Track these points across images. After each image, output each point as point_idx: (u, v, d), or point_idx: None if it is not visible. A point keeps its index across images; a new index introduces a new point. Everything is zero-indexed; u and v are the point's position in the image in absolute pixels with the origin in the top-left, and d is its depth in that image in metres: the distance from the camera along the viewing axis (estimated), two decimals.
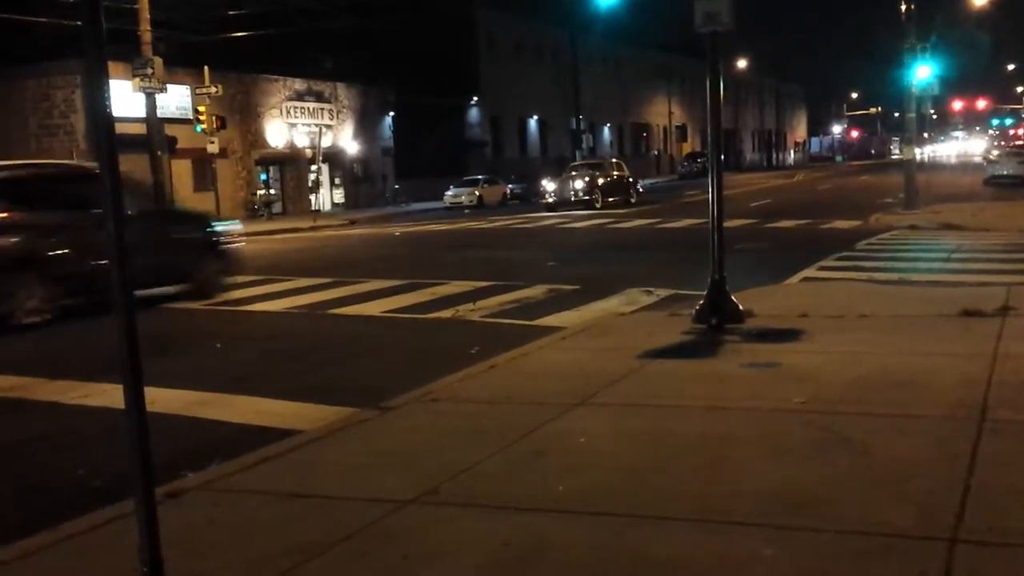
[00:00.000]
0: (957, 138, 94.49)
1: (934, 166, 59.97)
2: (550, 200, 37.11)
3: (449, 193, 45.93)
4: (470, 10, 58.09)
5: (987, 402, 6.32)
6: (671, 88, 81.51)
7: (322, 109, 47.09)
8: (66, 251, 12.83)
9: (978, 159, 73.76)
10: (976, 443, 5.50)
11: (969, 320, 9.14)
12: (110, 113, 3.66)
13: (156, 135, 30.63)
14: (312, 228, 34.34)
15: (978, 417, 6.00)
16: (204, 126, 33.42)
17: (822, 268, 15.06)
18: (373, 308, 12.94)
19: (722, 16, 9.82)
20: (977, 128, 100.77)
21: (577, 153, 57.80)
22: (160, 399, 7.39)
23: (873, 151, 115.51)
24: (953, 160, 74.16)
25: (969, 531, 4.32)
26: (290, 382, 8.74)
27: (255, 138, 43.05)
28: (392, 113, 51.82)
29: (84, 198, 12.67)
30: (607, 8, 50.12)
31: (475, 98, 58.40)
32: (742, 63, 76.33)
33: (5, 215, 12.66)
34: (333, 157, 47.35)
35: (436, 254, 21.50)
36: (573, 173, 38.94)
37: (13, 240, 12.52)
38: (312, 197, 44.89)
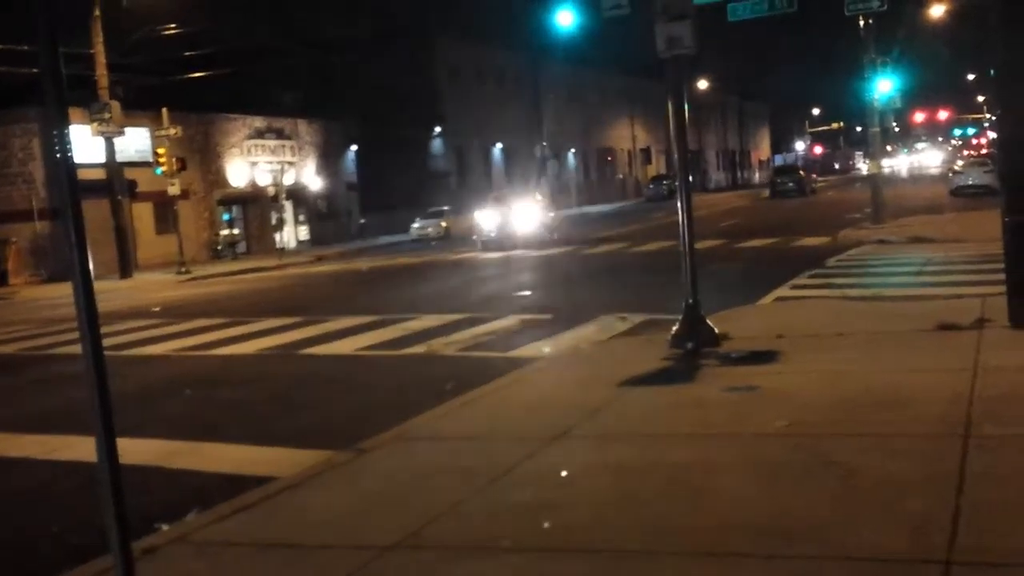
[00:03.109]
0: (920, 150, 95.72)
1: (894, 180, 60.69)
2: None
3: (415, 225, 45.75)
4: (430, 40, 58.25)
5: (971, 418, 6.28)
6: (634, 111, 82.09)
7: (283, 146, 46.92)
8: None
9: (935, 171, 74.64)
10: (963, 461, 5.46)
11: (946, 334, 9.14)
12: (72, 163, 3.57)
13: (116, 179, 30.33)
14: (278, 267, 34.06)
15: (963, 434, 5.96)
16: (164, 168, 33.15)
17: (795, 286, 15.08)
18: (345, 346, 12.78)
19: (685, 40, 9.85)
20: (940, 139, 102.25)
21: (543, 179, 57.94)
22: (131, 450, 7.14)
23: (837, 166, 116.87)
24: (905, 173, 74.92)
25: (963, 552, 4.27)
26: (263, 427, 8.56)
27: (216, 178, 42.78)
28: (355, 147, 51.72)
29: None
30: (568, 33, 50.43)
31: (438, 128, 58.47)
32: (703, 84, 77.05)
33: None
34: (297, 194, 47.13)
35: (405, 288, 21.36)
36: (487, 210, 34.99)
37: None
38: (276, 235, 44.61)
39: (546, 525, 5.08)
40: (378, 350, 12.35)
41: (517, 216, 32.94)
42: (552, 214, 36.23)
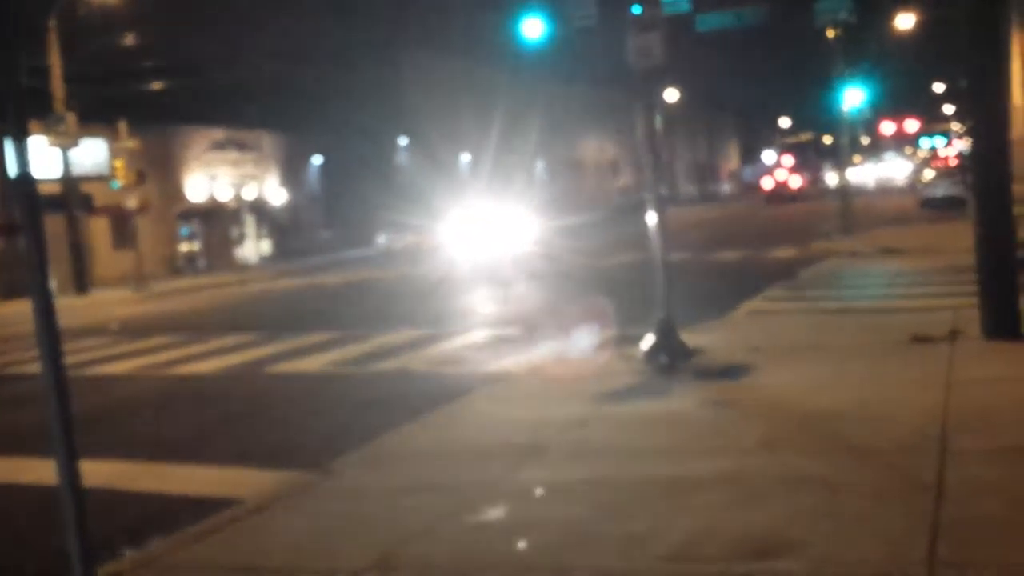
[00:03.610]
0: (887, 161, 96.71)
1: (862, 191, 61.31)
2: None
3: (382, 239, 45.56)
4: (396, 51, 58.15)
5: (946, 431, 6.25)
6: (602, 123, 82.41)
7: (245, 159, 46.53)
8: None
9: (900, 182, 75.40)
10: (940, 474, 5.43)
11: (920, 347, 9.13)
12: (33, 183, 3.46)
13: (72, 193, 29.86)
14: (240, 282, 33.70)
15: (939, 447, 5.93)
16: (122, 182, 32.65)
17: (767, 299, 15.06)
18: (311, 363, 12.57)
19: (654, 52, 9.79)
20: (907, 150, 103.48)
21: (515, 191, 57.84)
22: (92, 472, 6.93)
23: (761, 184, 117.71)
24: (872, 185, 75.74)
25: (943, 566, 4.24)
26: (228, 447, 8.38)
27: (176, 191, 42.30)
28: (319, 159, 51.44)
29: None
30: (535, 45, 50.47)
31: (405, 140, 58.33)
32: (673, 95, 77.46)
33: None
34: (259, 207, 46.78)
35: (373, 303, 21.16)
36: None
37: None
38: (238, 250, 44.23)
39: (522, 545, 4.96)
40: (346, 367, 12.16)
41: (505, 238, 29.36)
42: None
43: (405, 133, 58.12)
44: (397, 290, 23.89)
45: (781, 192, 66.25)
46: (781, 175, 72.09)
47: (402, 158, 58.84)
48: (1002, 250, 9.06)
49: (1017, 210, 9.87)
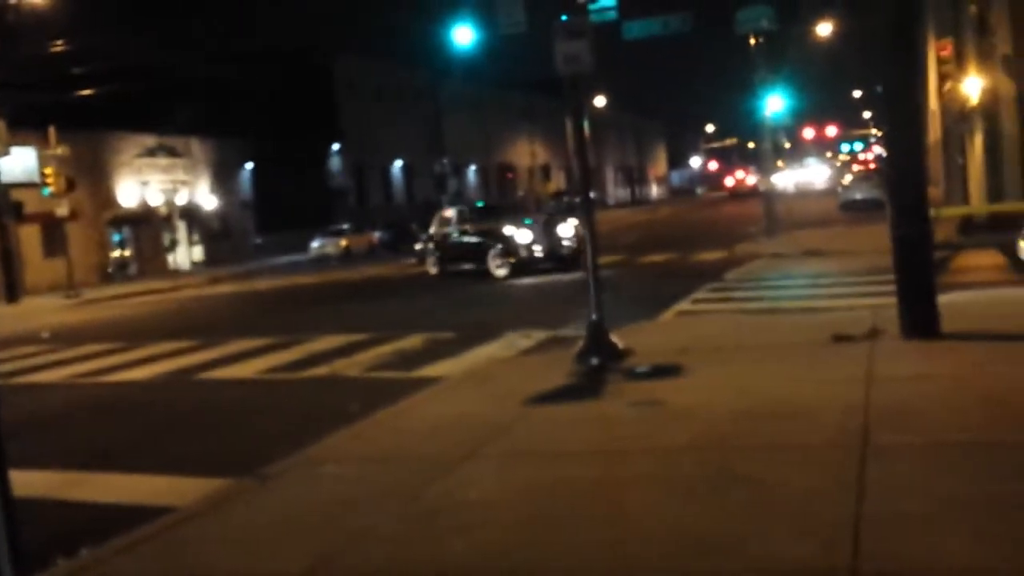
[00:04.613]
0: (808, 165, 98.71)
1: (783, 195, 62.50)
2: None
3: (314, 244, 45.18)
4: (327, 57, 57.75)
5: (868, 427, 6.43)
6: (533, 128, 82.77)
7: (176, 164, 45.86)
8: None
9: (820, 186, 77.15)
10: (862, 470, 5.57)
11: (841, 346, 9.38)
12: None
13: (1, 201, 29.23)
14: (172, 289, 33.21)
15: (861, 443, 6.09)
16: (52, 189, 32.05)
17: (695, 301, 15.34)
18: (245, 370, 12.49)
19: (582, 59, 9.94)
20: (828, 155, 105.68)
21: (443, 198, 57.85)
22: (23, 481, 6.83)
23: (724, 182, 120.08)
24: (792, 189, 77.47)
25: (867, 561, 4.35)
26: (162, 455, 8.30)
27: (106, 198, 41.55)
28: (251, 165, 50.85)
29: None
30: (466, 50, 50.58)
31: (337, 145, 57.93)
32: (601, 101, 78.11)
33: None
34: (190, 213, 46.12)
35: (306, 309, 21.04)
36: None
37: None
38: (170, 256, 43.55)
39: (458, 547, 5.02)
40: (279, 373, 12.10)
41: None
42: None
43: (337, 138, 57.73)
44: (329, 295, 23.78)
45: (739, 188, 79.25)
46: (740, 175, 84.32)
47: (334, 163, 58.42)
48: (919, 251, 9.34)
49: (933, 212, 10.22)
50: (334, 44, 58.34)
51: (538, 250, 23.14)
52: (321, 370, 11.89)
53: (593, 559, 4.72)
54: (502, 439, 7.18)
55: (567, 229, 23.56)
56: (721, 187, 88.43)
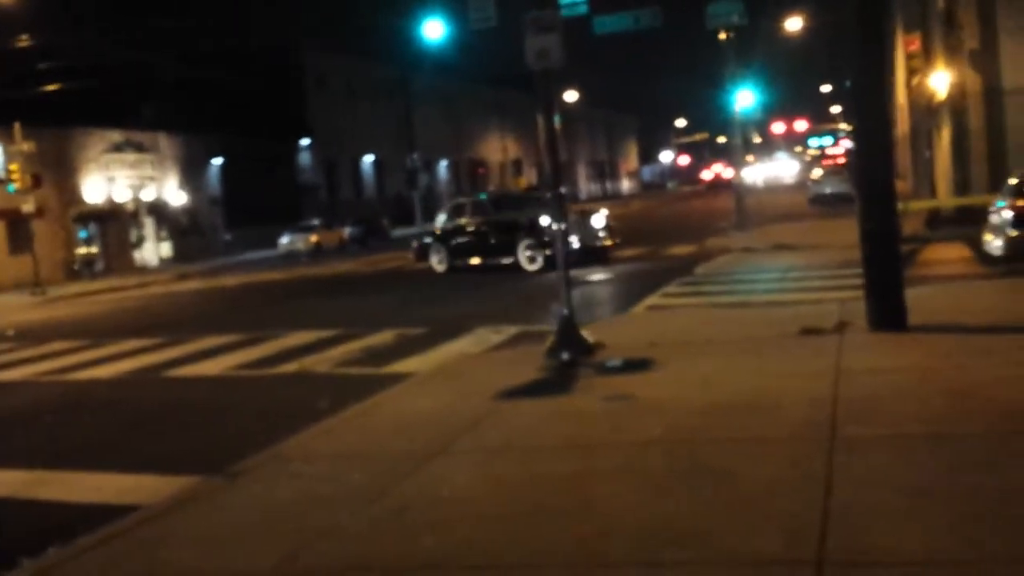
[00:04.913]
0: (777, 160, 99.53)
1: (754, 190, 62.89)
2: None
3: (284, 240, 44.85)
4: (295, 51, 57.40)
5: (836, 420, 6.48)
6: (505, 123, 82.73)
7: (143, 160, 45.41)
8: None
9: (789, 180, 77.74)
10: (830, 462, 5.62)
11: (810, 339, 9.45)
12: None
13: None
14: (139, 285, 32.91)
15: (829, 436, 6.14)
16: (17, 185, 31.69)
17: (666, 295, 15.39)
18: (212, 367, 12.39)
19: (552, 54, 9.94)
20: (797, 149, 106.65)
21: (413, 194, 57.74)
22: None
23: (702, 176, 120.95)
24: (762, 183, 78.13)
25: (834, 552, 4.39)
26: (129, 454, 8.23)
27: (73, 194, 41.07)
28: (220, 160, 50.46)
29: None
30: (437, 45, 50.46)
31: (307, 140, 57.61)
32: (573, 96, 78.26)
33: None
34: (158, 210, 45.70)
35: (275, 305, 20.92)
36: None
37: None
38: (137, 253, 43.16)
39: (428, 543, 5.00)
40: (248, 369, 12.02)
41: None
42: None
43: (307, 133, 57.41)
44: (300, 291, 23.65)
45: (718, 182, 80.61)
46: (718, 168, 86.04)
47: (304, 159, 58.10)
48: (887, 245, 9.42)
49: (901, 206, 10.30)
50: (303, 39, 58.01)
51: (574, 242, 20.77)
52: (290, 367, 11.82)
53: (564, 552, 4.73)
54: (473, 435, 7.17)
55: (600, 220, 22.44)
56: (693, 181, 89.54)
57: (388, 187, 64.95)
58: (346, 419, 8.16)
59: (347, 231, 47.85)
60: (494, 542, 4.94)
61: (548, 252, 20.56)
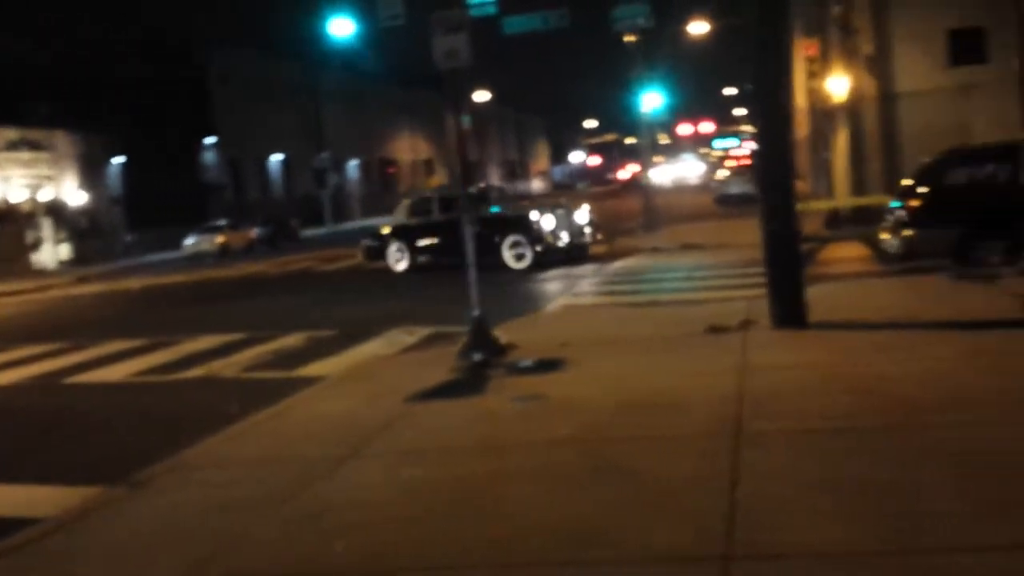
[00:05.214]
0: (684, 161, 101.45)
1: (661, 190, 63.82)
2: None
3: (189, 242, 43.83)
4: (199, 49, 56.20)
5: (741, 416, 6.63)
6: (416, 122, 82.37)
7: (39, 159, 43.95)
8: None
9: (695, 181, 79.27)
10: (736, 457, 5.74)
11: (716, 336, 9.64)
12: None
13: None
14: (37, 289, 31.82)
15: (734, 431, 6.27)
16: None
17: (577, 294, 15.53)
18: (115, 373, 12.06)
19: (461, 54, 9.94)
20: (703, 150, 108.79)
21: (322, 193, 57.09)
22: None
23: (611, 176, 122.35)
24: (669, 184, 79.56)
25: (741, 546, 4.49)
26: (28, 464, 7.97)
27: None
28: (121, 159, 49.11)
29: None
30: (346, 43, 49.92)
31: (212, 139, 56.45)
32: (484, 96, 78.31)
33: None
34: (56, 210, 44.27)
35: (181, 308, 20.46)
36: None
37: None
38: (33, 256, 41.76)
39: (341, 548, 4.96)
40: (153, 375, 11.74)
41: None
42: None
43: (211, 132, 56.25)
44: (207, 294, 23.18)
45: (635, 181, 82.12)
46: (635, 168, 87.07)
47: (209, 158, 56.92)
48: (787, 245, 9.67)
49: (801, 206, 10.57)
50: (207, 35, 56.83)
51: (563, 238, 20.79)
52: (197, 371, 11.57)
53: (476, 554, 4.73)
54: (384, 437, 7.13)
55: (584, 216, 21.93)
56: (604, 182, 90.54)
57: (297, 187, 64.08)
58: (255, 424, 8.03)
59: (255, 232, 47.01)
60: (407, 545, 4.92)
61: (539, 248, 20.40)
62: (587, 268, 19.90)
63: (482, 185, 31.21)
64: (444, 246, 21.45)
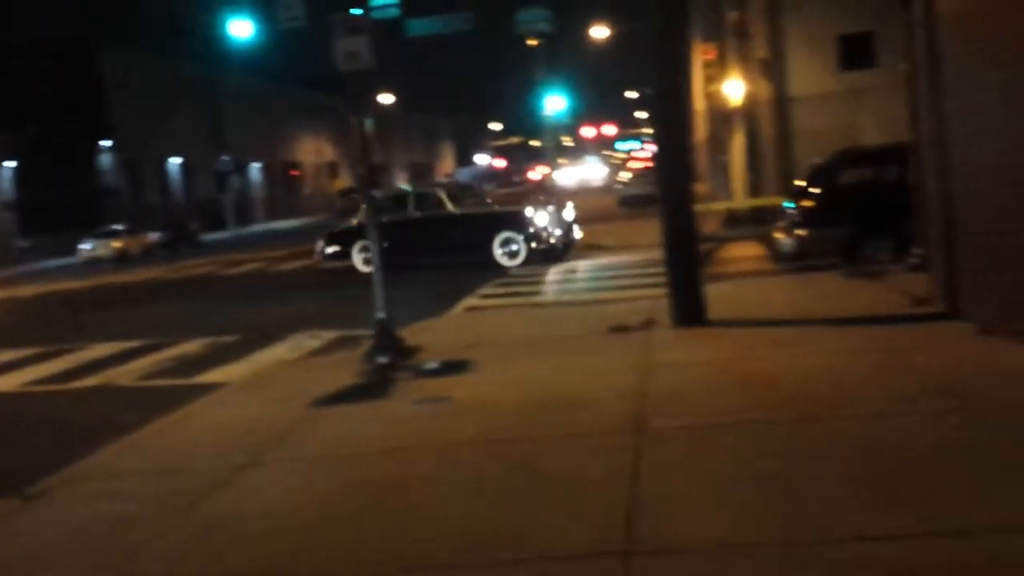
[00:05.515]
0: (587, 163, 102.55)
1: (566, 192, 64.34)
2: None
3: (85, 247, 42.49)
4: (93, 48, 54.54)
5: (643, 413, 6.74)
6: (319, 125, 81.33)
7: None
8: None
9: (598, 183, 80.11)
10: (638, 454, 5.84)
11: (619, 336, 9.77)
12: None
13: None
14: None
15: (636, 428, 6.37)
16: None
17: (483, 296, 15.54)
18: (8, 383, 11.63)
19: (362, 56, 9.88)
20: (606, 152, 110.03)
21: (223, 197, 55.99)
22: None
23: (516, 179, 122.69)
24: (573, 185, 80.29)
25: (641, 542, 4.57)
26: None
27: None
28: (12, 164, 47.39)
29: None
30: (246, 44, 49.05)
31: (108, 142, 54.84)
32: (389, 99, 77.82)
33: None
34: None
35: (76, 315, 19.83)
36: None
37: None
38: None
39: (241, 559, 4.88)
40: (45, 385, 11.35)
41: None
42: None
43: (108, 134, 54.66)
44: (103, 300, 22.51)
45: (545, 183, 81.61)
46: (545, 170, 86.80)
47: (105, 161, 55.32)
48: (686, 245, 9.87)
49: (699, 207, 10.79)
50: (101, 35, 55.19)
51: (557, 235, 20.14)
52: (92, 380, 11.24)
53: (380, 559, 4.71)
54: (287, 444, 7.04)
55: (571, 213, 21.47)
56: (510, 184, 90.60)
57: (197, 190, 62.67)
58: (152, 433, 7.84)
59: (154, 236, 45.83)
60: (311, 553, 4.87)
61: (535, 245, 19.85)
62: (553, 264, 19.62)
63: (448, 177, 30.21)
64: (428, 244, 20.67)
